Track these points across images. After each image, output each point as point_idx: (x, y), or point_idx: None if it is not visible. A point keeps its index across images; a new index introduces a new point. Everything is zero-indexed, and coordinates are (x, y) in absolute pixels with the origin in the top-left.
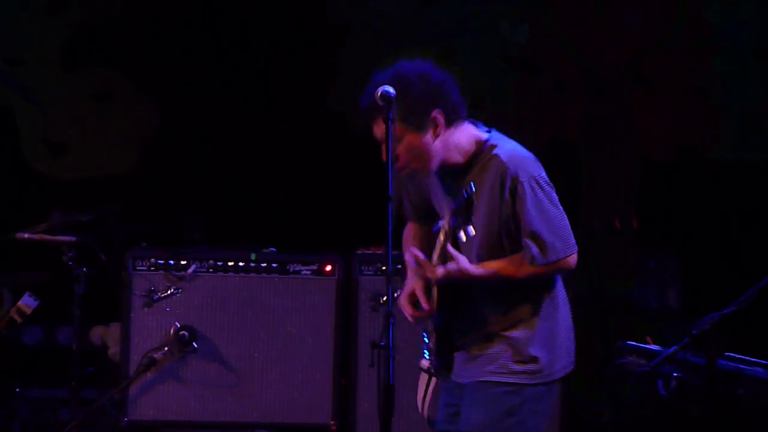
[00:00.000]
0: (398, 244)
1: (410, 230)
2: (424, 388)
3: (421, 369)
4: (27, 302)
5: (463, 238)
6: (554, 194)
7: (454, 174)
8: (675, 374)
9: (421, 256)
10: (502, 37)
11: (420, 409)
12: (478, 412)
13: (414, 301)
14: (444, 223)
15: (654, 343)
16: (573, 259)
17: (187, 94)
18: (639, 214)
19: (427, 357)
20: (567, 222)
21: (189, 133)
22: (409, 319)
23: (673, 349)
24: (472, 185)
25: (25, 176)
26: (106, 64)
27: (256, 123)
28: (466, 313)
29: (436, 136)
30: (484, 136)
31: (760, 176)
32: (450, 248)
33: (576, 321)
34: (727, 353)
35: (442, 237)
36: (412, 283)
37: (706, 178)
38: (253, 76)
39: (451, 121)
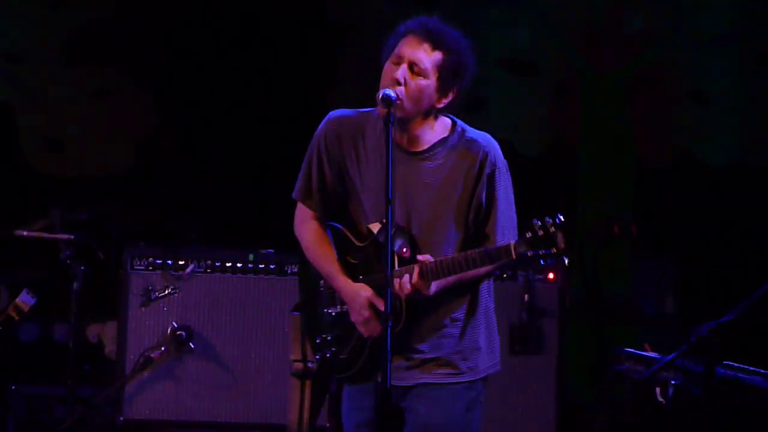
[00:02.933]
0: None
1: (317, 230)
2: (301, 396)
3: (296, 375)
4: (25, 299)
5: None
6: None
7: (411, 156)
8: (673, 381)
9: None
10: (501, 40)
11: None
12: (439, 412)
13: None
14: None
15: (652, 350)
16: None
17: (185, 93)
18: (637, 220)
19: (317, 357)
20: None
21: (187, 131)
22: (366, 333)
23: (671, 356)
24: None
25: (23, 173)
26: (104, 61)
27: (255, 123)
28: (420, 310)
29: (438, 103)
30: (450, 122)
31: (758, 181)
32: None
33: (574, 326)
34: (725, 361)
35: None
36: (362, 292)
37: (705, 183)
38: (253, 76)
39: (449, 105)
